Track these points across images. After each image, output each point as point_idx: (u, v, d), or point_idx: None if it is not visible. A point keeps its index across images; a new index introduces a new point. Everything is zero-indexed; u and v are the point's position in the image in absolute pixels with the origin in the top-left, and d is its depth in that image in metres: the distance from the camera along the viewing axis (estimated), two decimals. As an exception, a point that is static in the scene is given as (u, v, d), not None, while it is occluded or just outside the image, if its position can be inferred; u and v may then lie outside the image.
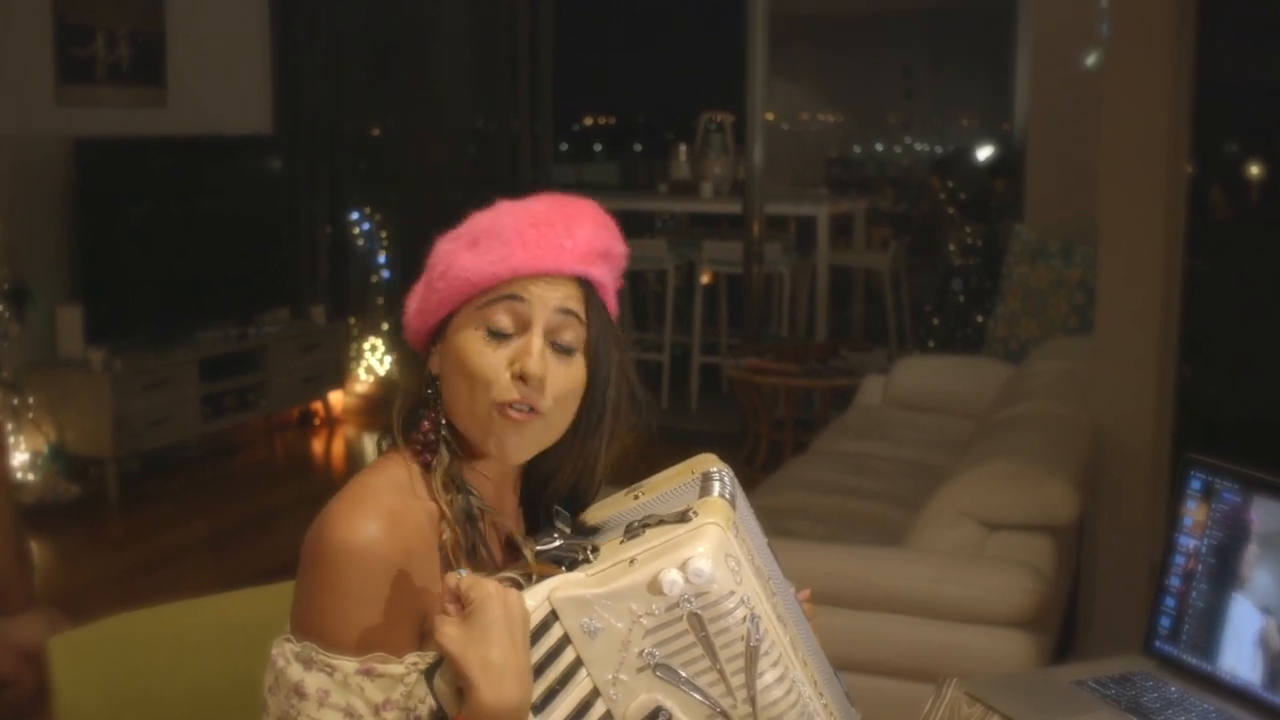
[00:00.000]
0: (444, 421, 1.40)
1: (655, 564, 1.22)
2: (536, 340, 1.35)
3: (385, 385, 7.33)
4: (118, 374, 5.72)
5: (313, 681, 1.28)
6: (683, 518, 1.26)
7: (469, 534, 1.37)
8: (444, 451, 1.39)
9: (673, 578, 1.21)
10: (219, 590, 1.88)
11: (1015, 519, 3.12)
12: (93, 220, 5.86)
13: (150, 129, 6.33)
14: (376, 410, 7.05)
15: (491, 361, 1.35)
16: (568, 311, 1.38)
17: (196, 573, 5.04)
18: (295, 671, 1.29)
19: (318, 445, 6.97)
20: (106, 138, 5.97)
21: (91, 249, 5.86)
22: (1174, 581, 1.96)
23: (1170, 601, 1.96)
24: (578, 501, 1.47)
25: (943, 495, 3.20)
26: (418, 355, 1.46)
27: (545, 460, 1.43)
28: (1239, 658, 1.86)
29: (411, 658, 1.31)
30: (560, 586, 1.24)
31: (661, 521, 1.27)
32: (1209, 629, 1.90)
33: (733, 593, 1.22)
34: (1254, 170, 5.84)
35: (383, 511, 1.32)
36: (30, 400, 5.64)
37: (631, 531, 1.28)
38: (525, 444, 1.38)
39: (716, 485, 1.35)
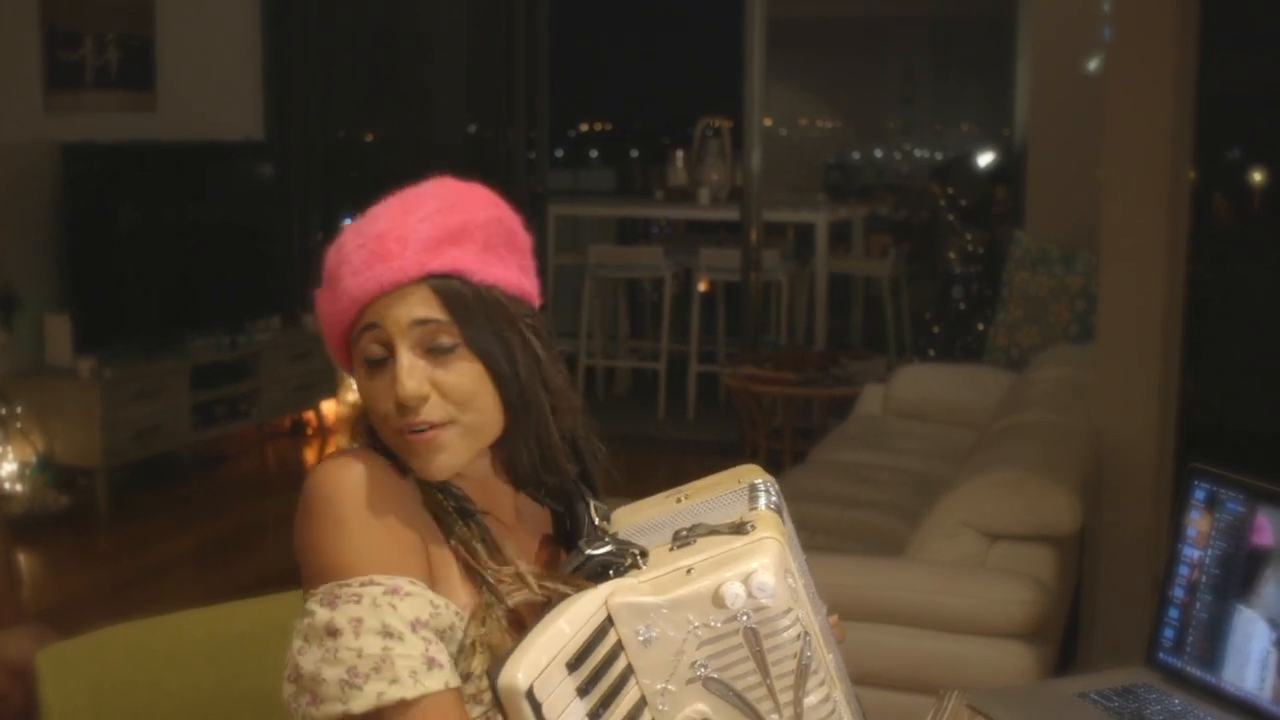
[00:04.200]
0: None
1: (716, 575, 1.20)
2: (403, 362, 1.30)
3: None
4: (107, 383, 5.67)
5: (342, 615, 1.23)
6: (738, 529, 1.24)
7: (477, 530, 1.35)
8: None
9: (736, 590, 1.18)
10: (210, 602, 1.86)
11: (1016, 529, 3.10)
12: (81, 227, 5.82)
13: (140, 135, 6.28)
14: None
15: (377, 394, 1.33)
16: (424, 321, 1.31)
17: (187, 584, 5.01)
18: (322, 615, 1.24)
19: (310, 455, 6.93)
20: (95, 144, 5.92)
21: (80, 256, 5.82)
22: (1177, 592, 1.94)
23: (1173, 613, 1.94)
24: (587, 480, 1.45)
25: (943, 505, 3.17)
26: None
27: (504, 450, 1.39)
28: (1244, 670, 1.84)
29: (435, 596, 1.27)
30: (617, 591, 1.22)
31: (714, 531, 1.25)
32: (1213, 641, 1.88)
33: (789, 609, 1.20)
34: (1256, 177, 5.83)
35: (363, 462, 1.32)
36: (18, 409, 5.60)
37: (681, 539, 1.26)
38: (449, 458, 1.33)
39: (763, 497, 1.33)
